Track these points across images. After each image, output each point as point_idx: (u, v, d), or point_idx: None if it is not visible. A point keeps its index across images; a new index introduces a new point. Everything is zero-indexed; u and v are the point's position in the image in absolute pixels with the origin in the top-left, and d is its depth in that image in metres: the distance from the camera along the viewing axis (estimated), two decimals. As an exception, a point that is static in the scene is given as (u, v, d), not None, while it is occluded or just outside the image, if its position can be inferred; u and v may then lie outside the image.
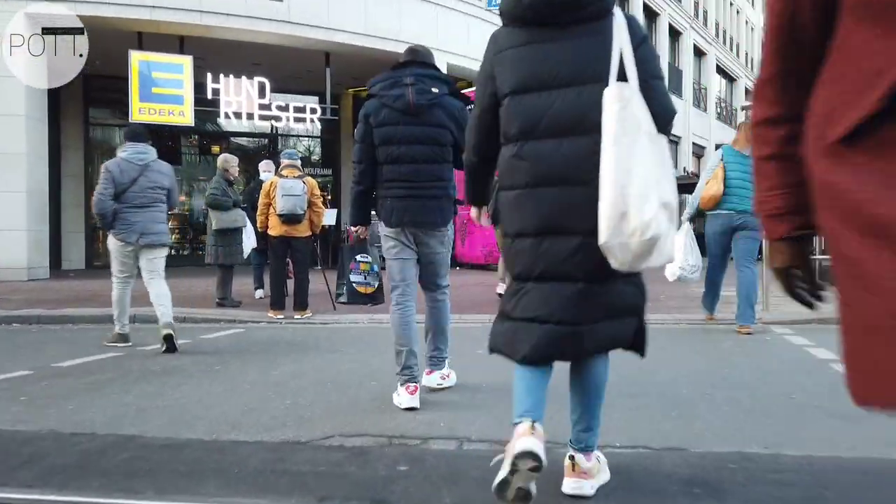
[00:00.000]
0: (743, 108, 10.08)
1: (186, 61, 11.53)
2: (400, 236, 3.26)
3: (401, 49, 3.51)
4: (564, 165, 1.91)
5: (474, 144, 2.17)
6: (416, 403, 3.14)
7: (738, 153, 5.74)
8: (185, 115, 11.60)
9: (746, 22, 32.51)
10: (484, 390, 3.65)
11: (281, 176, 6.79)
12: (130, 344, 5.24)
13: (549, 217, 1.93)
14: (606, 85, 1.86)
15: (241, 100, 11.89)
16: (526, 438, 1.82)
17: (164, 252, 5.27)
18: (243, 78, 11.91)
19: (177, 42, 11.69)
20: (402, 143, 3.14)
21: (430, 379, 3.57)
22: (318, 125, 13.57)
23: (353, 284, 3.75)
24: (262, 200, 6.88)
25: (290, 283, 7.13)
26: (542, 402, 1.98)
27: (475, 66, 13.11)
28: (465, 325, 6.33)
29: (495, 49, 2.05)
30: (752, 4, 33.05)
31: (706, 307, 6.33)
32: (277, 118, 12.25)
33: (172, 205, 5.46)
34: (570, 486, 2.07)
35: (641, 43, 1.94)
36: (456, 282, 10.49)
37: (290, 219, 6.66)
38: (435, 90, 3.15)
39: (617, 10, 1.97)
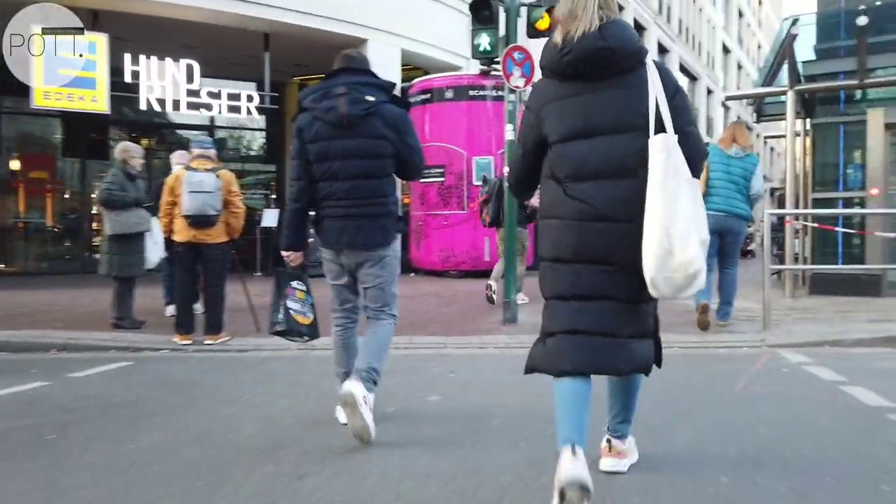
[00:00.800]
0: (727, 101, 9.29)
1: (100, 39, 10.05)
2: (338, 259, 3.07)
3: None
4: (606, 205, 2.08)
5: (521, 178, 2.39)
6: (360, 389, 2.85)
7: (723, 153, 5.63)
8: (98, 102, 10.12)
9: (708, 21, 32.18)
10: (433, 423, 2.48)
11: (189, 168, 5.50)
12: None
13: (590, 247, 2.10)
14: (642, 133, 2.05)
15: (166, 85, 10.47)
16: (571, 466, 1.94)
17: None
18: (168, 60, 10.49)
19: (90, 17, 10.20)
20: (337, 158, 2.96)
21: (355, 385, 2.82)
22: (262, 117, 12.21)
23: (291, 311, 3.19)
24: (164, 198, 5.58)
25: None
26: (584, 424, 2.10)
27: (438, 56, 11.90)
28: (415, 350, 5.16)
29: (541, 100, 2.21)
30: (714, 3, 32.77)
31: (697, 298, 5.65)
32: (208, 106, 10.86)
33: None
34: (607, 464, 2.41)
35: (676, 93, 2.12)
36: (408, 291, 9.20)
37: (198, 221, 5.38)
38: (370, 98, 2.96)
39: (649, 61, 2.11)
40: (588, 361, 2.12)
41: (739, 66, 37.49)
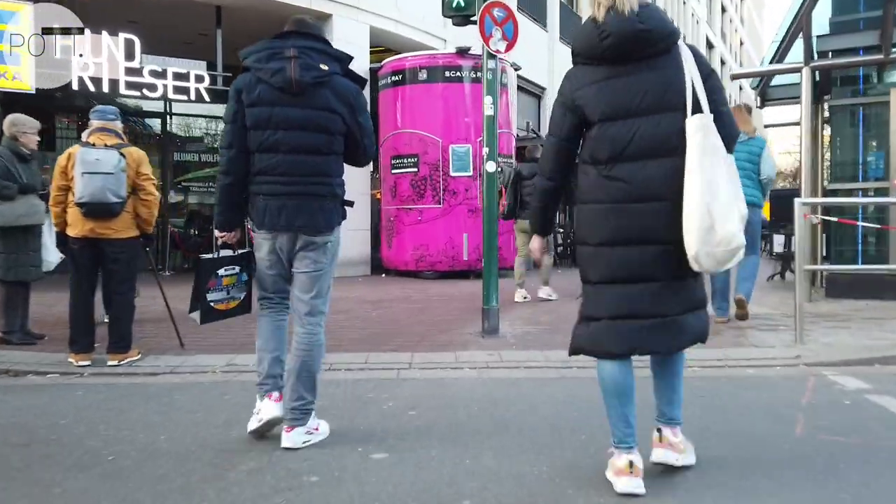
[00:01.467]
0: (733, 79, 8.37)
1: (24, 8, 8.79)
2: (274, 242, 2.78)
3: (316, 7, 2.15)
4: (648, 184, 2.13)
5: (555, 170, 2.34)
6: (280, 412, 2.75)
7: None
8: (21, 79, 8.86)
9: (693, 14, 31.49)
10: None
11: (84, 145, 4.35)
12: None
13: (634, 228, 2.15)
14: (681, 113, 2.11)
15: (101, 62, 9.23)
16: (627, 480, 2.17)
17: None
18: (104, 34, 9.25)
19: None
20: (279, 127, 2.68)
21: (292, 438, 2.73)
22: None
23: (211, 304, 2.97)
24: (55, 182, 4.43)
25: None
26: (632, 414, 2.23)
27: (411, 36, 10.77)
28: (370, 372, 4.04)
29: (575, 86, 2.24)
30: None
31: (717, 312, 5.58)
32: (151, 87, 9.63)
33: None
34: (658, 455, 2.34)
35: (710, 75, 2.21)
36: (373, 295, 8.05)
37: (95, 210, 4.24)
38: (324, 67, 2.71)
39: (681, 43, 2.19)
40: (635, 342, 2.17)
41: (723, 62, 36.89)
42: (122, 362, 4.38)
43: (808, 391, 3.71)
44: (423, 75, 10.22)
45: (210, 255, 3.00)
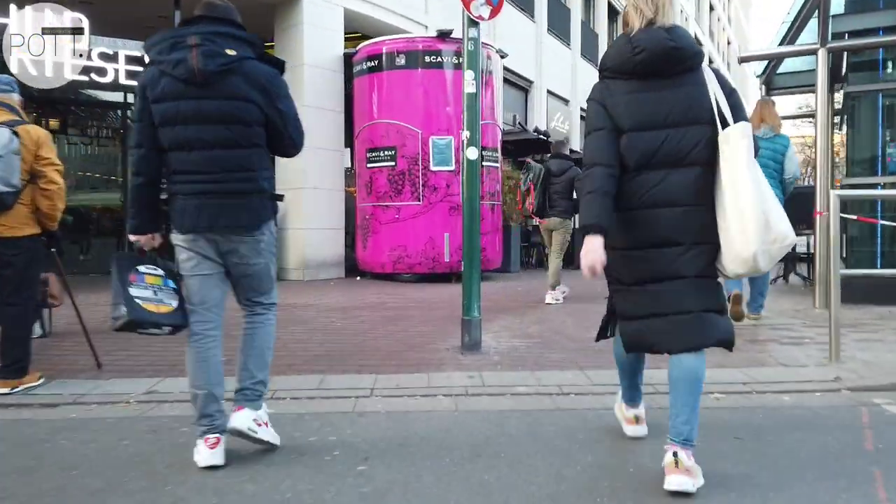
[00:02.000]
0: (741, 62, 7.63)
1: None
2: (196, 245, 2.59)
3: None
4: (674, 191, 2.25)
5: (611, 155, 2.30)
6: (220, 460, 2.50)
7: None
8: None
9: (682, 10, 30.95)
10: None
11: (-33, 121, 3.51)
12: None
13: (662, 231, 2.27)
14: (705, 126, 2.25)
15: (44, 42, 8.33)
16: (634, 427, 2.76)
17: None
18: (47, 10, 8.35)
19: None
20: (189, 122, 2.50)
21: (241, 418, 2.58)
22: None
23: (137, 300, 2.53)
24: (-69, 167, 3.57)
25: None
26: (641, 383, 2.75)
27: (385, 18, 9.61)
28: (323, 400, 3.20)
29: (607, 96, 2.34)
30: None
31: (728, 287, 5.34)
32: (100, 71, 8.74)
33: None
34: (674, 482, 2.21)
35: (733, 92, 2.33)
36: (343, 301, 7.14)
37: (-21, 202, 3.41)
38: (231, 52, 2.50)
39: (704, 65, 2.34)
40: (671, 341, 2.28)
41: (710, 61, 36.41)
42: (14, 390, 3.54)
43: (865, 428, 2.96)
44: (401, 61, 9.40)
45: (129, 250, 2.76)
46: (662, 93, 2.27)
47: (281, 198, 2.72)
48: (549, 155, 8.59)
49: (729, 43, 44.37)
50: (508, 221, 11.28)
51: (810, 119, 12.85)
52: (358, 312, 6.43)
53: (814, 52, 6.72)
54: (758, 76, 8.66)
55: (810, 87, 8.75)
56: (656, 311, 2.28)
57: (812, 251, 9.39)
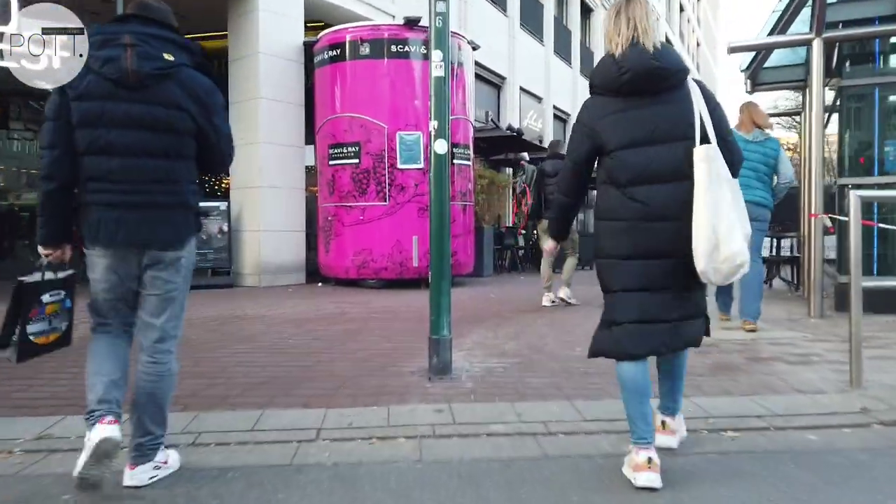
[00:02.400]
0: (730, 52, 7.15)
1: None
2: (111, 262, 2.42)
3: None
4: (666, 205, 2.35)
5: (573, 189, 2.66)
6: (115, 433, 2.25)
7: (743, 139, 5.13)
8: None
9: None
10: None
11: None
12: None
13: (654, 244, 2.38)
14: (692, 142, 2.34)
15: (-35, 23, 7.51)
16: (647, 475, 2.30)
17: None
18: (-32, -11, 7.52)
19: None
20: (113, 126, 2.34)
21: (137, 475, 2.40)
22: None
23: (31, 337, 2.42)
24: None
25: None
26: (650, 416, 2.44)
27: (349, 6, 6.93)
28: (255, 445, 2.49)
29: (594, 116, 2.48)
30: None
31: (721, 307, 5.78)
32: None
33: None
34: (661, 441, 2.57)
35: (717, 107, 2.44)
36: (299, 312, 6.44)
37: None
38: (169, 57, 2.38)
39: (689, 79, 2.43)
40: (655, 345, 2.41)
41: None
42: None
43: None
44: (365, 50, 8.73)
45: (33, 278, 2.47)
46: (648, 111, 2.37)
47: (205, 214, 2.30)
48: (545, 155, 8.34)
49: (698, 45, 44.53)
50: (481, 223, 10.70)
51: (795, 118, 12.52)
52: (313, 326, 5.75)
53: (808, 43, 6.25)
54: (742, 70, 8.21)
55: (797, 83, 8.38)
56: (645, 318, 2.38)
57: (798, 254, 9.03)
